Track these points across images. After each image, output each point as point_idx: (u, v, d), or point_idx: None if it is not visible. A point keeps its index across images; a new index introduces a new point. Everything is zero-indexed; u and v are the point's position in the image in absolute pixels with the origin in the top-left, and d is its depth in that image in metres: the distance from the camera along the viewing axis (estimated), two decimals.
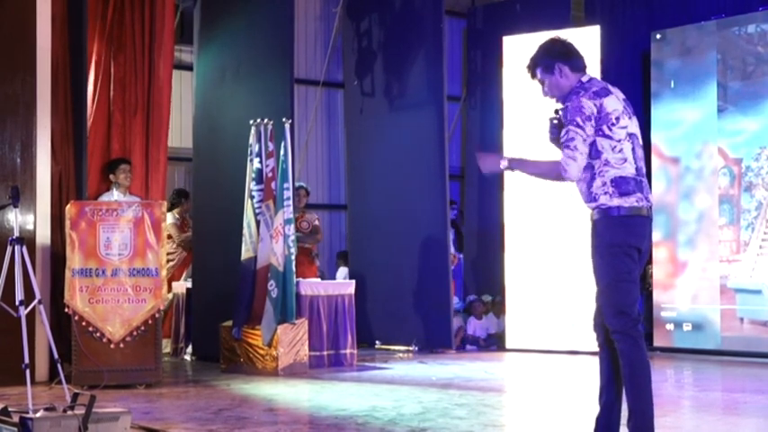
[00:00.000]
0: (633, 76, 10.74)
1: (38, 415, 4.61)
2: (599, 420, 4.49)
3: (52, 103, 7.83)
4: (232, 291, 8.48)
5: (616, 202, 4.34)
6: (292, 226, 8.38)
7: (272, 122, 8.49)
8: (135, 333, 7.31)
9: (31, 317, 6.49)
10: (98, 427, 4.66)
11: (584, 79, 4.47)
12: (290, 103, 8.82)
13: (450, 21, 12.18)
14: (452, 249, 10.54)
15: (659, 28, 10.34)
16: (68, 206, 7.35)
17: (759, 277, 9.40)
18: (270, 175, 8.45)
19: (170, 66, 9.33)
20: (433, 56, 10.38)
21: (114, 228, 7.33)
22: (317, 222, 9.76)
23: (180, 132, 10.90)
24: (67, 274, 7.24)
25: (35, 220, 7.62)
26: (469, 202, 12.13)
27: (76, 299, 7.21)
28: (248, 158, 8.55)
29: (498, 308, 10.78)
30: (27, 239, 6.62)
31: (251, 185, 8.52)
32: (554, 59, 4.46)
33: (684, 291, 9.90)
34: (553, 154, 4.43)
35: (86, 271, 7.25)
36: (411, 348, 10.11)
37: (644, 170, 4.44)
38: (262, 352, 8.18)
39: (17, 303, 5.98)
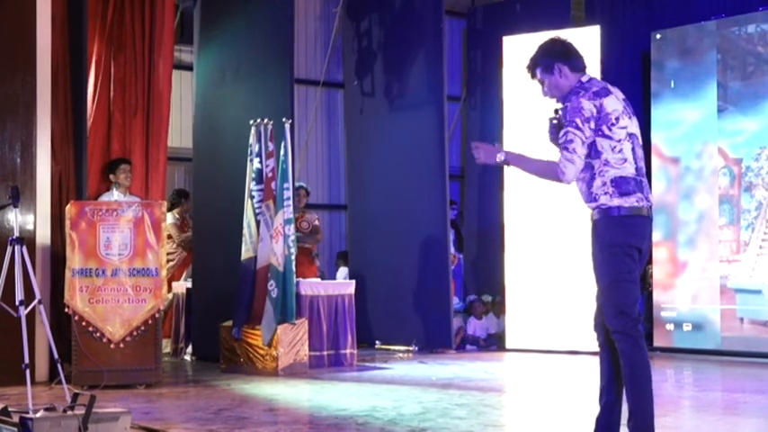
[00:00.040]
0: (633, 76, 10.74)
1: (38, 415, 4.60)
2: (599, 421, 4.49)
3: (52, 103, 7.83)
4: (232, 291, 8.48)
5: (616, 202, 4.33)
6: (292, 226, 8.38)
7: (272, 122, 8.49)
8: (135, 333, 7.31)
9: (31, 317, 6.49)
10: (98, 427, 4.65)
11: (584, 79, 4.46)
12: (290, 103, 8.82)
13: (451, 21, 12.18)
14: (452, 249, 10.54)
15: (659, 28, 10.34)
16: (68, 206, 7.35)
17: (759, 277, 9.40)
18: (270, 175, 8.45)
19: (170, 66, 9.33)
20: (433, 56, 10.38)
21: (114, 228, 7.33)
22: (317, 222, 9.76)
23: (180, 132, 10.90)
24: (67, 274, 7.24)
25: (35, 220, 7.62)
26: (469, 202, 12.13)
27: (76, 299, 7.21)
28: (248, 158, 8.55)
29: (498, 308, 10.78)
30: (27, 239, 6.62)
31: (251, 185, 8.52)
32: (554, 59, 4.46)
33: (684, 291, 9.90)
34: (553, 154, 4.43)
35: (86, 271, 7.25)
36: (411, 348, 10.11)
37: (644, 170, 4.44)
38: (262, 352, 8.19)
39: (17, 303, 5.98)
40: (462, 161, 12.67)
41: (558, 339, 9.93)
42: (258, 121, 8.53)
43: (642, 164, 4.43)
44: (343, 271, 11.25)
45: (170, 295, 9.38)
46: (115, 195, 8.37)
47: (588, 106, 4.32)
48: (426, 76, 10.44)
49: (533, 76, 4.56)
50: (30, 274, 6.15)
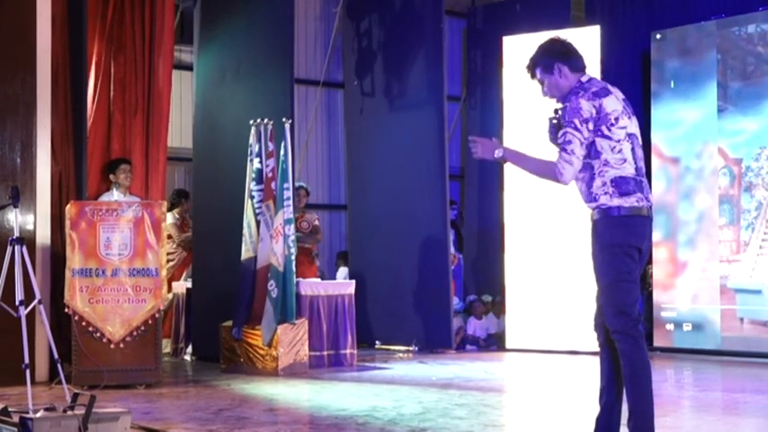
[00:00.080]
0: (633, 76, 10.74)
1: (38, 415, 4.61)
2: (599, 421, 4.49)
3: (52, 103, 7.83)
4: (232, 291, 8.48)
5: (616, 202, 4.33)
6: (292, 226, 8.38)
7: (272, 122, 8.49)
8: (135, 333, 7.31)
9: (31, 317, 6.49)
10: (98, 427, 4.66)
11: (584, 79, 4.46)
12: (290, 103, 8.82)
13: (451, 21, 12.18)
14: (452, 249, 10.54)
15: (659, 28, 10.34)
16: (68, 206, 7.35)
17: (759, 277, 9.40)
18: (270, 175, 8.45)
19: (170, 66, 9.33)
20: (433, 56, 10.38)
21: (114, 228, 7.33)
22: (317, 222, 9.76)
23: (180, 132, 10.90)
24: (67, 274, 7.24)
25: (35, 220, 7.62)
26: (469, 202, 12.13)
27: (76, 299, 7.21)
28: (248, 158, 8.55)
29: (498, 308, 10.78)
30: (27, 239, 6.62)
31: (251, 185, 8.52)
32: (553, 59, 4.46)
33: (684, 291, 9.90)
34: (553, 154, 4.42)
35: (86, 271, 7.25)
36: (411, 348, 10.11)
37: (644, 170, 4.44)
38: (262, 352, 8.19)
39: (17, 303, 5.98)
40: (462, 161, 12.67)
41: (558, 339, 9.93)
42: (258, 121, 8.53)
43: (642, 164, 4.43)
44: (343, 271, 11.25)
45: (170, 295, 9.38)
46: (115, 195, 8.37)
47: (587, 107, 4.32)
48: (426, 76, 10.44)
49: (533, 75, 4.56)
50: (30, 274, 6.15)
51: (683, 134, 10.01)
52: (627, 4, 11.32)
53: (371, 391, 7.07)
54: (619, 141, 4.34)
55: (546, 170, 4.39)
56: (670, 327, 9.95)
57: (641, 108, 9.97)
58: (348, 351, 8.84)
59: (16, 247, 6.10)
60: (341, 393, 6.99)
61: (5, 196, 6.84)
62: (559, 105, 4.48)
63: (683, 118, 10.00)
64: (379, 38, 10.92)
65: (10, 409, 4.99)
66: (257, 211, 8.47)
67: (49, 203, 7.75)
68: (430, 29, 10.43)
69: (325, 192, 12.22)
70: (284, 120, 8.49)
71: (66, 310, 7.24)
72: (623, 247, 4.32)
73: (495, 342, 10.64)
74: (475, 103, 12.11)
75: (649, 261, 9.06)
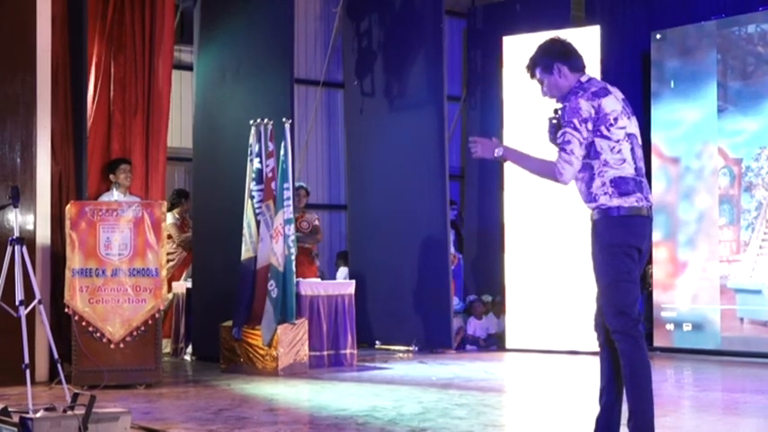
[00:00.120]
0: (633, 76, 10.74)
1: (38, 415, 4.61)
2: (599, 421, 4.49)
3: (52, 103, 7.83)
4: (232, 291, 8.48)
5: (616, 202, 4.33)
6: (292, 226, 8.38)
7: (272, 122, 8.49)
8: (135, 333, 7.31)
9: (31, 317, 6.49)
10: (98, 427, 4.66)
11: (584, 79, 4.46)
12: (290, 103, 8.82)
13: (451, 21, 12.18)
14: (452, 249, 10.54)
15: (659, 28, 10.34)
16: (68, 206, 7.35)
17: (759, 277, 9.40)
18: (270, 175, 8.45)
19: (170, 66, 9.33)
20: (433, 56, 10.38)
21: (114, 228, 7.33)
22: (317, 222, 9.76)
23: (180, 132, 10.90)
24: (67, 274, 7.24)
25: (35, 220, 7.62)
26: (469, 202, 12.13)
27: (76, 299, 7.21)
28: (248, 158, 8.55)
29: (498, 308, 10.78)
30: (27, 239, 6.62)
31: (251, 185, 8.52)
32: (553, 59, 4.46)
33: (684, 291, 9.90)
34: (553, 154, 4.42)
35: (86, 271, 7.25)
36: (411, 348, 10.11)
37: (643, 170, 4.44)
38: (262, 352, 8.19)
39: (17, 303, 5.98)
40: (462, 161, 12.67)
41: (558, 339, 9.93)
42: (258, 121, 8.53)
43: (642, 164, 4.43)
44: (343, 271, 11.25)
45: (170, 295, 9.39)
46: (115, 195, 8.37)
47: (586, 107, 4.32)
48: (426, 76, 10.44)
49: (533, 75, 4.56)
50: (30, 274, 6.15)
51: (683, 134, 10.01)
52: (627, 4, 11.32)
53: (371, 391, 7.07)
54: (618, 141, 4.34)
55: (545, 170, 4.40)
56: (670, 327, 9.95)
57: (641, 108, 9.97)
58: (348, 351, 8.84)
59: (16, 247, 6.11)
60: (341, 393, 6.99)
61: (5, 196, 6.84)
62: (559, 105, 4.48)
63: (683, 118, 10.00)
64: (379, 38, 10.92)
65: (10, 409, 4.99)
66: (257, 211, 8.47)
67: (49, 203, 7.75)
68: (430, 29, 10.43)
69: (325, 192, 12.22)
70: (284, 120, 8.49)
71: (66, 310, 7.24)
72: (623, 247, 4.32)
73: (495, 342, 10.64)
74: (475, 103, 12.11)
75: (649, 261, 9.06)
